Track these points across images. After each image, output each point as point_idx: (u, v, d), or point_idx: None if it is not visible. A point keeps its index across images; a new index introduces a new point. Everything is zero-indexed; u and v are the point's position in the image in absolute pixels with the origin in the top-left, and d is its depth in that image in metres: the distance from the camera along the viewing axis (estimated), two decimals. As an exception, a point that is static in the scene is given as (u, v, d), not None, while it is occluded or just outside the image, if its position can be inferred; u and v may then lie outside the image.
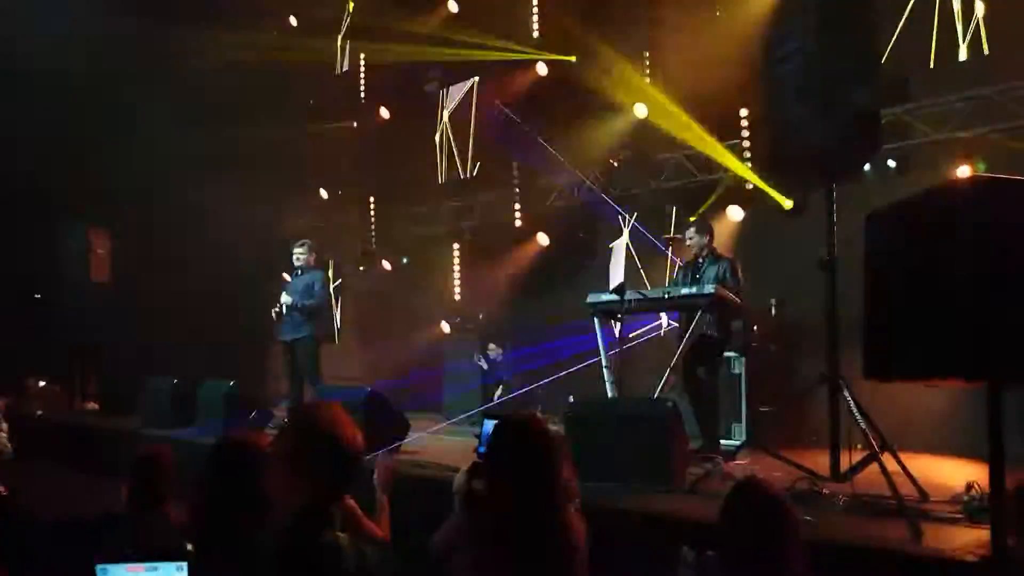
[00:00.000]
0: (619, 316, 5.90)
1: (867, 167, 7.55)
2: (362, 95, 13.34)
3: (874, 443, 3.86)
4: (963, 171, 6.64)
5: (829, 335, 4.16)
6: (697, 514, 3.59)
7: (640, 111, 9.96)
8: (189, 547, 1.32)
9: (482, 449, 2.97)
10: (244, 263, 12.80)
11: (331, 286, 11.98)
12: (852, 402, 3.97)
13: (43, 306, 10.97)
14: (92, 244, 9.47)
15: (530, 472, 2.33)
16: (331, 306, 12.56)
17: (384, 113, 12.86)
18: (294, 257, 8.16)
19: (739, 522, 2.37)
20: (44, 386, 11.29)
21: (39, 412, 10.30)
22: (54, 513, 4.98)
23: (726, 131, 9.24)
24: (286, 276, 8.16)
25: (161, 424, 7.73)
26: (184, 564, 1.30)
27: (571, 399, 4.65)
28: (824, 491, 3.95)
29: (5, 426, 6.01)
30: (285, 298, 7.91)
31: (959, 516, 3.61)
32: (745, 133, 9.04)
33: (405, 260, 12.89)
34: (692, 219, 9.38)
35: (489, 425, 3.04)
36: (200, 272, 11.61)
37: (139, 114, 10.52)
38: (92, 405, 10.37)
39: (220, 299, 12.15)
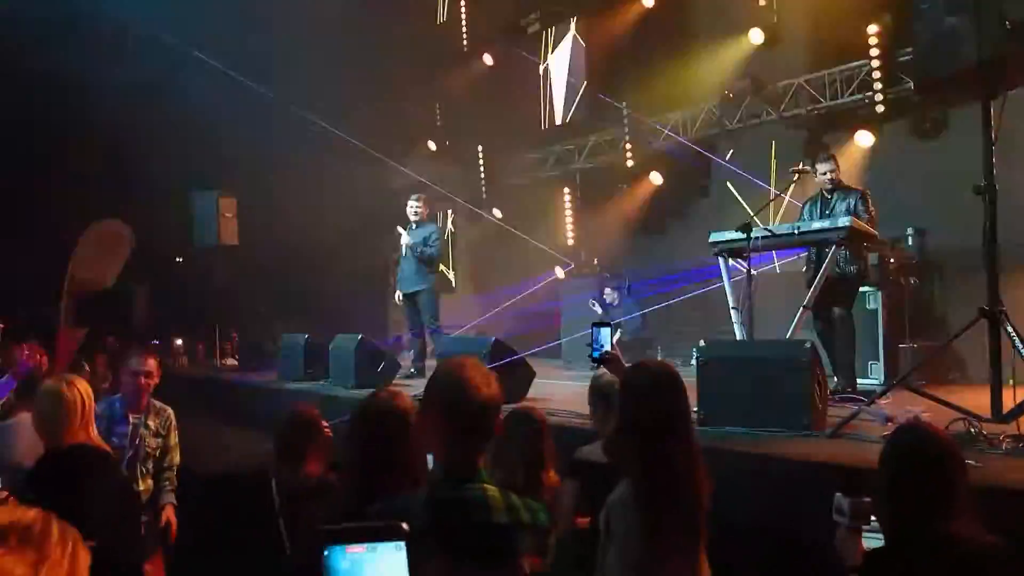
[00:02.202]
0: (746, 254, 5.66)
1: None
2: (464, 43, 13.23)
3: (1041, 381, 3.57)
4: None
5: (988, 266, 3.83)
6: (843, 457, 3.43)
7: (755, 37, 9.43)
8: (405, 526, 1.31)
9: (596, 354, 3.14)
10: (359, 219, 13.13)
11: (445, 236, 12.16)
12: (1016, 337, 3.66)
13: (181, 269, 11.61)
14: (221, 209, 9.91)
15: (666, 414, 2.52)
16: (447, 256, 12.74)
17: (488, 60, 12.72)
18: (409, 210, 8.23)
19: (904, 468, 2.23)
20: (185, 344, 12.04)
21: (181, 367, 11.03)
22: (209, 467, 5.28)
23: (853, 51, 8.65)
24: (400, 229, 8.25)
25: (295, 378, 8.08)
26: (403, 544, 1.29)
27: (702, 342, 4.50)
28: (984, 433, 3.69)
29: None
30: (406, 239, 8.03)
31: None
32: (874, 52, 8.40)
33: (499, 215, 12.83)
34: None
35: (599, 331, 3.18)
36: (318, 231, 12.00)
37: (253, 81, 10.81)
38: (232, 361, 10.97)
39: (338, 255, 12.57)
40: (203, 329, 12.02)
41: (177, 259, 12.91)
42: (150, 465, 4.37)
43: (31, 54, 10.04)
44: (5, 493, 3.21)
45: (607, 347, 3.22)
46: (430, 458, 2.78)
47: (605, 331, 3.25)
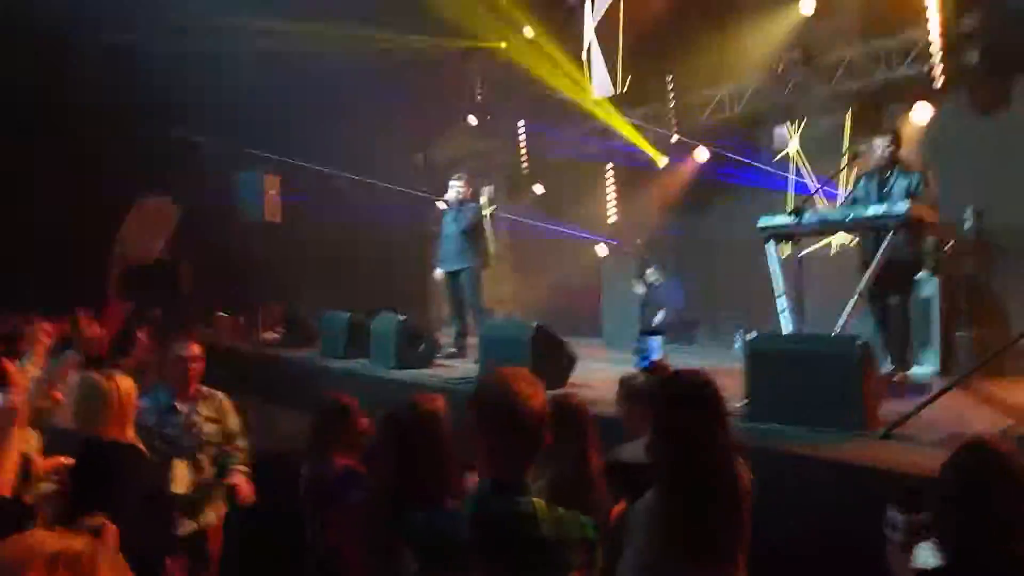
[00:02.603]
0: (795, 239, 5.49)
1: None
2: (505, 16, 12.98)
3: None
4: None
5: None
6: (896, 463, 3.30)
7: (806, 6, 9.08)
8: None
9: (644, 364, 3.06)
10: (399, 195, 13.09)
11: (486, 213, 12.04)
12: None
13: (225, 243, 11.73)
14: (265, 186, 9.94)
15: (701, 425, 2.45)
16: (486, 233, 12.63)
17: (528, 32, 12.48)
18: (452, 190, 8.15)
19: (968, 491, 2.11)
20: (228, 318, 12.20)
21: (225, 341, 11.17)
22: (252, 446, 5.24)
23: (910, 20, 8.27)
24: (440, 204, 8.20)
25: (337, 355, 8.13)
26: None
27: (753, 334, 4.39)
28: (1048, 436, 3.51)
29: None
30: (447, 226, 7.99)
31: None
32: (934, 20, 8.01)
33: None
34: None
35: (649, 341, 3.09)
36: (359, 208, 12.02)
37: (296, 57, 10.78)
38: (273, 335, 11.09)
39: (379, 232, 12.60)
40: (246, 303, 12.18)
41: (221, 230, 13.06)
42: (212, 452, 4.21)
43: (84, 31, 10.11)
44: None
45: (656, 357, 3.13)
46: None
47: (656, 341, 3.16)
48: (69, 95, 10.39)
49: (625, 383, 3.30)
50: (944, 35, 7.90)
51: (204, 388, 4.32)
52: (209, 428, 4.23)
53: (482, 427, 2.01)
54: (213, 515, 4.26)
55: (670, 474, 2.45)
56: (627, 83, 11.24)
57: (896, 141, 5.78)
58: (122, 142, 10.96)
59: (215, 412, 4.28)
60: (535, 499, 1.99)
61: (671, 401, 2.53)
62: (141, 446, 3.35)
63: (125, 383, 3.31)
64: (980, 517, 2.06)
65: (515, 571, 1.93)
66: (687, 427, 2.45)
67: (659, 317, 10.23)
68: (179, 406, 4.20)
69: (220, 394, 4.37)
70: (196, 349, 4.28)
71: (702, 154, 10.50)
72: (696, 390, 2.51)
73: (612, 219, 12.04)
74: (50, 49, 10.28)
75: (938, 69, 8.04)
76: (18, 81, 10.21)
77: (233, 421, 4.37)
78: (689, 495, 2.40)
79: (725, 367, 7.19)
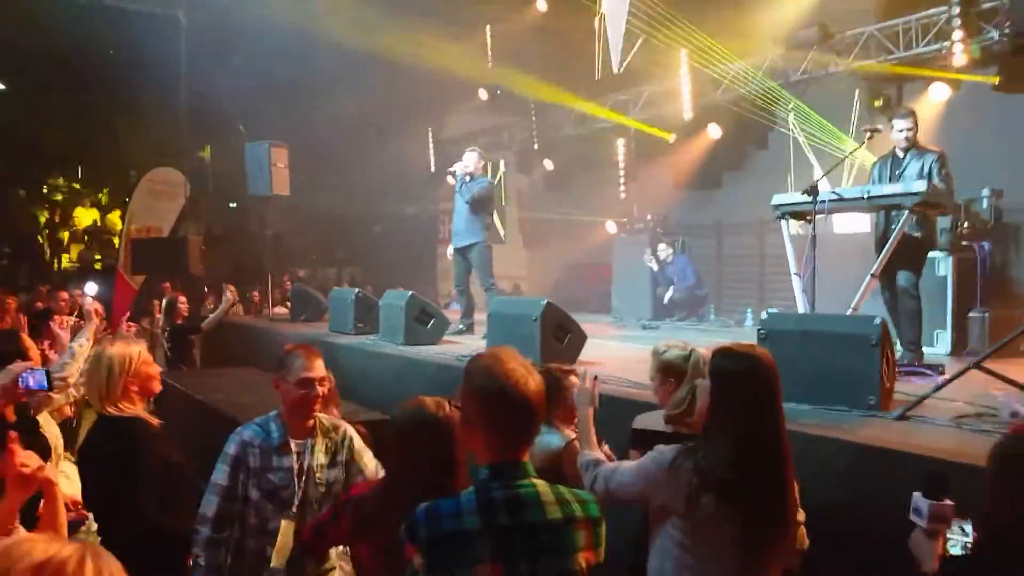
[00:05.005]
0: (810, 218, 5.42)
1: None
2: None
3: None
4: None
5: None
6: (914, 444, 3.27)
7: (825, -19, 8.96)
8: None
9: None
10: (408, 169, 13.06)
11: (496, 188, 11.97)
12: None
13: (234, 218, 11.72)
14: (273, 159, 9.86)
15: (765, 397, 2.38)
16: (497, 207, 12.58)
17: (541, 5, 12.35)
18: (461, 163, 8.06)
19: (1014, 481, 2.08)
20: (239, 292, 12.20)
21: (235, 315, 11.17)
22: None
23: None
24: (449, 179, 8.13)
25: (345, 330, 8.12)
26: None
27: (764, 314, 4.34)
28: (1067, 420, 3.48)
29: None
30: (457, 202, 7.92)
31: None
32: (954, -2, 7.88)
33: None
34: (877, 104, 8.54)
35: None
36: (368, 181, 11.97)
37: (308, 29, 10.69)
38: (282, 310, 11.09)
39: (387, 205, 12.55)
40: (255, 277, 12.19)
41: (231, 204, 13.06)
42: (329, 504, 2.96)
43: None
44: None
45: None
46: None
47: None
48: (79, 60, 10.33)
49: (659, 356, 3.28)
50: (965, 14, 7.77)
51: (325, 417, 3.12)
52: (326, 475, 3.03)
53: (477, 412, 1.96)
54: None
55: (727, 451, 2.34)
56: (641, 59, 11.10)
57: (915, 123, 5.70)
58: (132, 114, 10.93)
59: (339, 451, 3.09)
60: (536, 480, 1.95)
61: (730, 376, 2.41)
62: (151, 419, 3.14)
63: (118, 351, 3.07)
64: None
65: (523, 556, 1.89)
66: (745, 401, 2.36)
67: (669, 294, 10.19)
68: (293, 444, 3.00)
69: (346, 425, 3.19)
70: (322, 366, 3.03)
71: (714, 131, 10.42)
72: (755, 363, 2.41)
73: (623, 195, 11.98)
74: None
75: (958, 48, 7.92)
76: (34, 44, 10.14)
77: (369, 462, 3.12)
78: (748, 476, 2.31)
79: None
